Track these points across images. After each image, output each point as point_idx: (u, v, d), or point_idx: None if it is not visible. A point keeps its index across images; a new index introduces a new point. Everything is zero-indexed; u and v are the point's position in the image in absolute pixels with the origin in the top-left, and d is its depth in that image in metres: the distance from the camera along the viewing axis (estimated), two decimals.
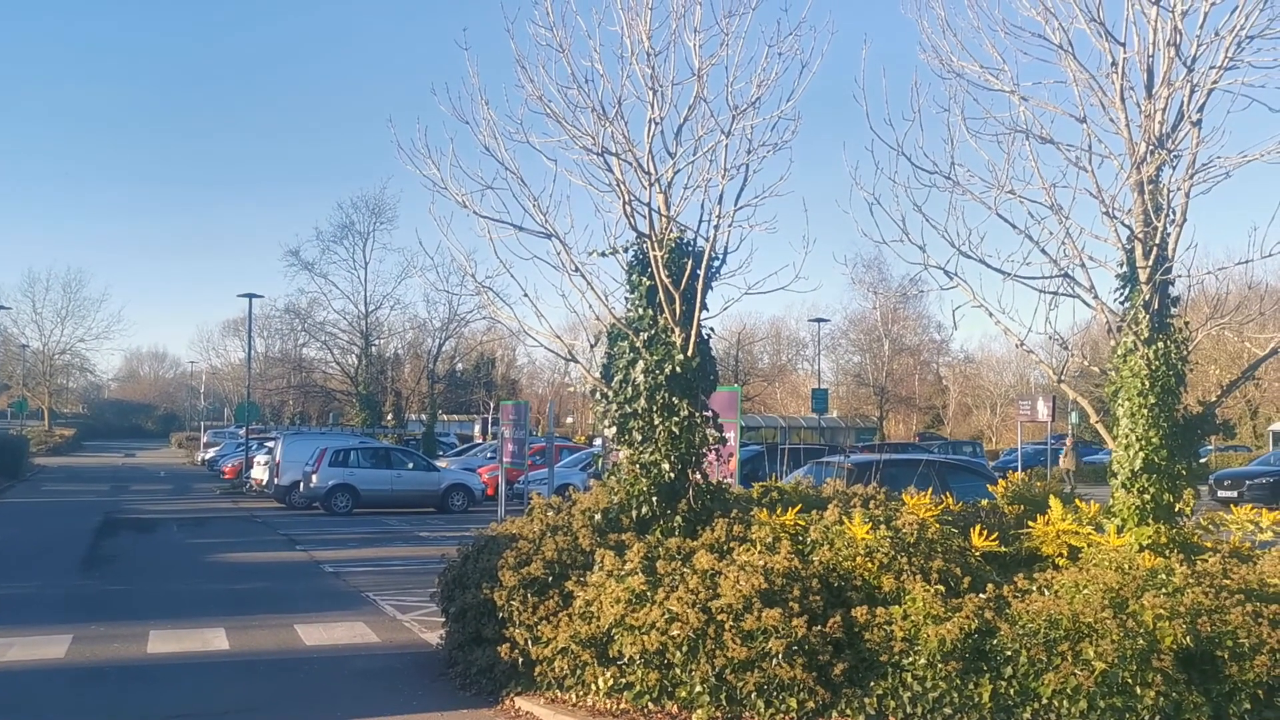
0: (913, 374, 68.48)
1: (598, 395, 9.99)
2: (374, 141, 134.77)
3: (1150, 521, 8.66)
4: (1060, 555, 8.91)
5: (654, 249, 9.35)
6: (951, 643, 7.31)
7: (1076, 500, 9.89)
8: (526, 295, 10.03)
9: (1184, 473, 8.73)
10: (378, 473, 27.82)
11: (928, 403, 71.86)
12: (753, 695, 7.59)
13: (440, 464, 31.93)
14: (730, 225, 9.41)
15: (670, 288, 9.35)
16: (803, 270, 9.65)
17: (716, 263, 9.50)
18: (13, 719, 8.40)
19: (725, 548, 8.67)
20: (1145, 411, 8.63)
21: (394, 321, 56.03)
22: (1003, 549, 8.98)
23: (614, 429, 9.59)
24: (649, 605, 7.89)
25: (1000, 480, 12.71)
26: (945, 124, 9.35)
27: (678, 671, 7.78)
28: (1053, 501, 9.49)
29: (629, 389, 9.46)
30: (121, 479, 41.21)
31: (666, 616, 7.75)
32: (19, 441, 45.96)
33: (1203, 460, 12.81)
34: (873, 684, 7.55)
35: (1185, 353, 8.71)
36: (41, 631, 11.30)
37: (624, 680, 8.01)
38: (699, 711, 7.66)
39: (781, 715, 7.56)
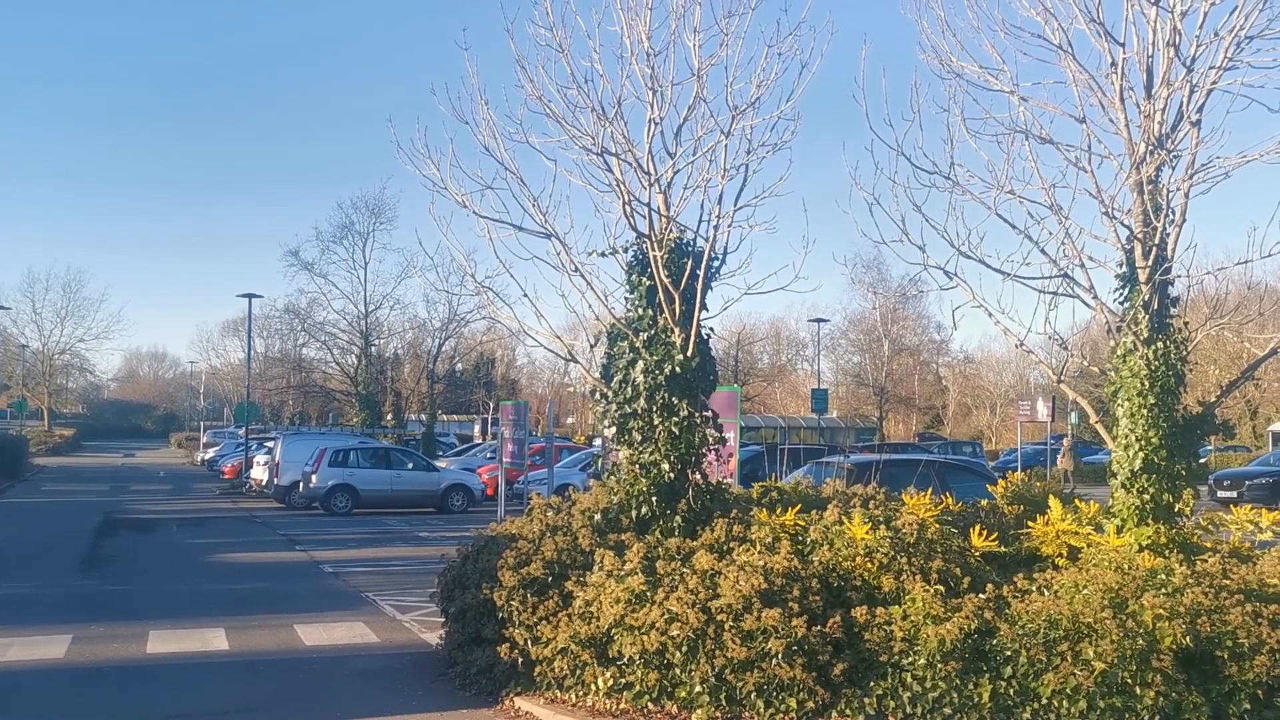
0: (912, 374, 68.48)
1: (597, 395, 9.99)
2: (374, 141, 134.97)
3: (1150, 522, 8.67)
4: (1060, 555, 8.91)
5: (654, 249, 9.36)
6: (951, 643, 7.32)
7: (1076, 500, 9.90)
8: (526, 295, 10.04)
9: (1183, 473, 8.73)
10: (377, 473, 27.82)
11: (927, 403, 71.86)
12: (752, 695, 7.59)
13: (440, 464, 31.93)
14: (730, 225, 9.42)
15: (670, 288, 9.35)
16: (802, 270, 9.67)
17: (716, 263, 9.50)
18: (12, 719, 8.40)
19: (725, 548, 8.67)
20: (1145, 412, 8.64)
21: (394, 321, 56.13)
22: (1002, 549, 8.98)
23: (614, 429, 9.59)
24: (649, 605, 7.89)
25: (1000, 480, 12.71)
26: (945, 124, 9.37)
27: (677, 671, 7.78)
28: (1052, 502, 9.49)
29: (629, 389, 9.46)
30: (121, 479, 41.20)
31: (666, 617, 7.76)
32: (18, 441, 45.94)
33: (1202, 460, 12.80)
34: (872, 684, 7.55)
35: (1185, 353, 8.72)
36: (41, 631, 11.30)
37: (624, 680, 8.01)
38: (699, 711, 7.66)
39: (781, 715, 7.56)
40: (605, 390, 9.79)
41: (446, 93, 9.65)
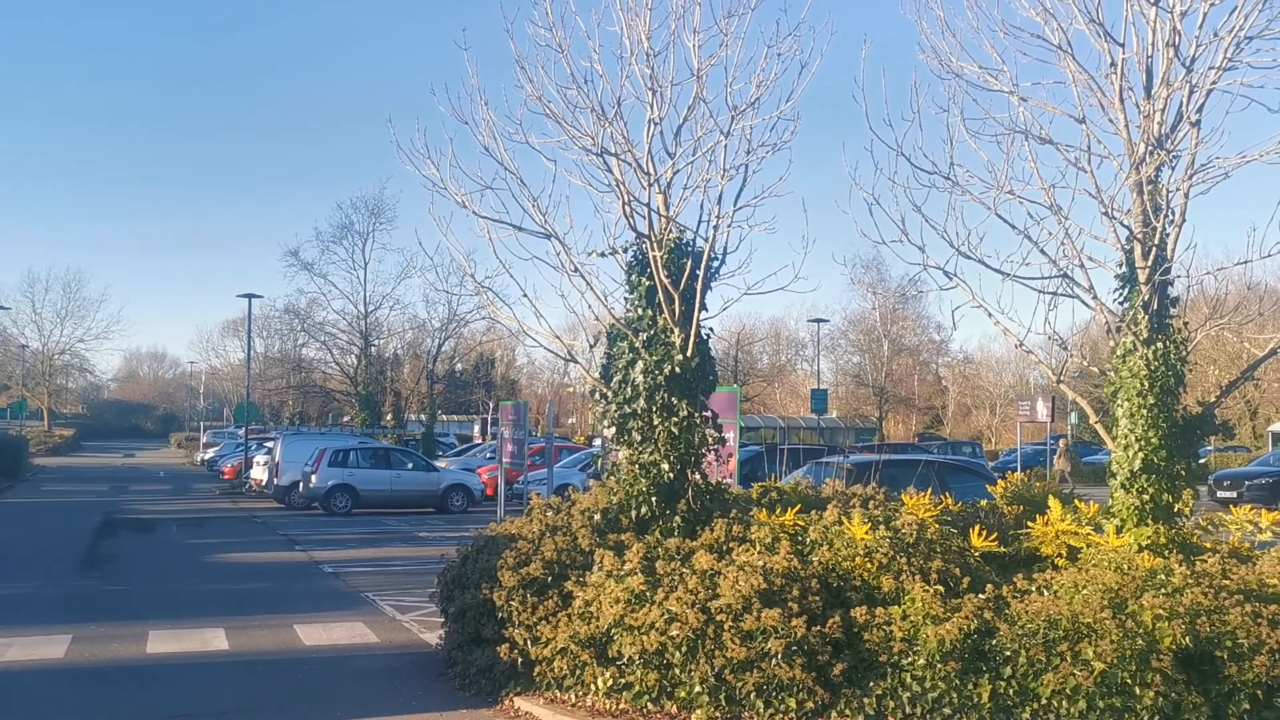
0: (912, 374, 68.43)
1: (597, 395, 9.99)
2: (374, 141, 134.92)
3: (1149, 522, 8.67)
4: (1059, 556, 8.91)
5: (653, 249, 9.36)
6: (951, 643, 7.32)
7: (1075, 501, 9.90)
8: (526, 295, 10.04)
9: (1183, 473, 8.73)
10: (377, 473, 27.82)
11: (927, 403, 71.84)
12: (752, 695, 7.59)
13: (439, 464, 31.93)
14: (729, 225, 9.43)
15: (669, 288, 9.35)
16: (802, 270, 9.67)
17: (716, 263, 9.50)
18: (12, 719, 8.40)
19: (724, 548, 8.66)
20: (1144, 412, 8.64)
21: (393, 322, 56.18)
22: (1002, 549, 8.99)
23: (613, 429, 9.59)
24: (648, 605, 7.89)
25: (999, 480, 12.70)
26: (944, 124, 9.37)
27: (677, 672, 7.78)
28: (1052, 502, 9.49)
29: (628, 389, 9.46)
30: (121, 479, 41.19)
31: (666, 617, 7.76)
32: (18, 442, 45.93)
33: (1202, 461, 12.81)
34: (872, 684, 7.55)
35: (1184, 353, 8.72)
36: (41, 631, 11.30)
37: (623, 680, 8.01)
38: (698, 712, 7.66)
39: (781, 715, 7.56)
40: (605, 390, 9.79)
41: (446, 93, 9.67)
